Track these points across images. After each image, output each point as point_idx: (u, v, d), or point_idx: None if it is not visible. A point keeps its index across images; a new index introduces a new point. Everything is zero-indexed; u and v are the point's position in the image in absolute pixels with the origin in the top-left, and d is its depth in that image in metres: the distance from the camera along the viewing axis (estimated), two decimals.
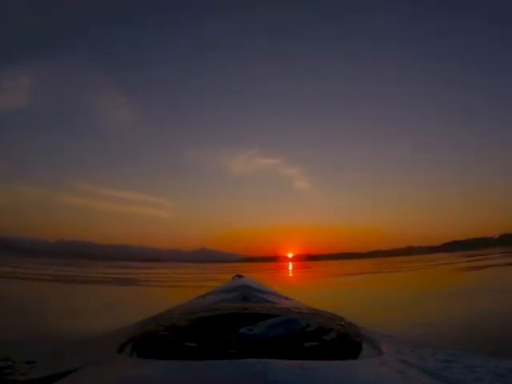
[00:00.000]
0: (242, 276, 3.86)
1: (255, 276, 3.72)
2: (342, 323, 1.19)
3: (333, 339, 1.03)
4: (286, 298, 2.34)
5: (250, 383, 0.66)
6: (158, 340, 1.03)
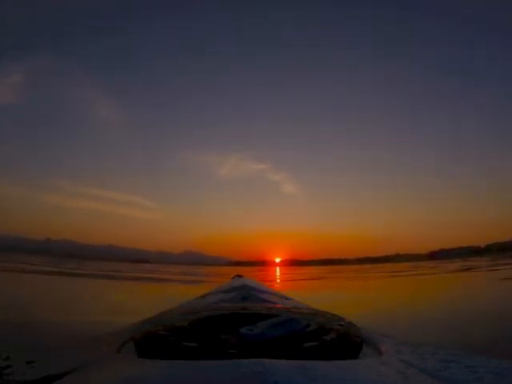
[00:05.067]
0: (241, 276, 3.86)
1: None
2: (342, 323, 1.19)
3: (333, 339, 1.03)
4: (286, 298, 2.34)
5: (250, 383, 0.66)
6: (158, 340, 1.03)
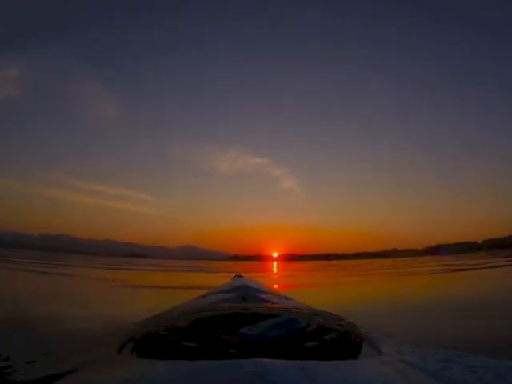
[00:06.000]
0: (241, 276, 3.86)
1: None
2: (342, 323, 1.19)
3: (333, 339, 1.03)
4: (286, 298, 2.34)
5: (250, 383, 0.66)
6: (158, 340, 1.03)
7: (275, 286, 6.28)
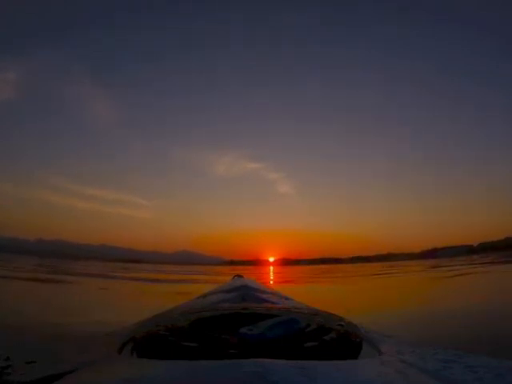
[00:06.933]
0: (241, 276, 3.86)
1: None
2: (342, 323, 1.19)
3: (333, 339, 1.03)
4: (286, 298, 2.34)
5: (250, 383, 0.66)
6: (158, 340, 1.03)
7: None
